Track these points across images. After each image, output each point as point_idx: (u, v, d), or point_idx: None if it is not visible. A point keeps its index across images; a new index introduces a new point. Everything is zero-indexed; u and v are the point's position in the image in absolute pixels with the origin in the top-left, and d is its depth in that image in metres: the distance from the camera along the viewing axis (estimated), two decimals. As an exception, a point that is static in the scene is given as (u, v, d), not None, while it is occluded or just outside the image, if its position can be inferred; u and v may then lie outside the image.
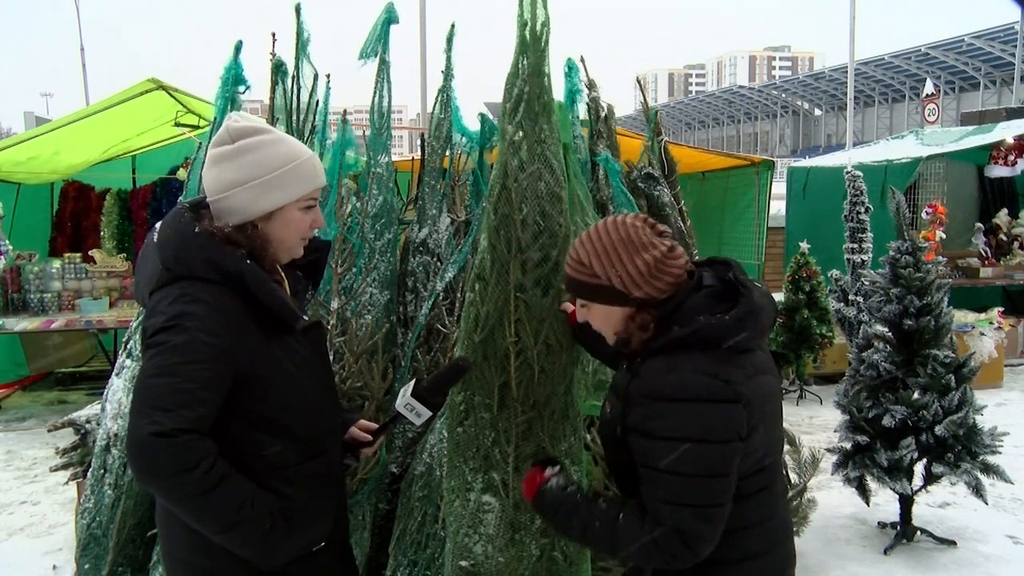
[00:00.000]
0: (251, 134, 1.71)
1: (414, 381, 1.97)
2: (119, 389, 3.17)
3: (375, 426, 2.00)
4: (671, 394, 1.53)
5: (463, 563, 2.18)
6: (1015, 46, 34.70)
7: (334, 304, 3.06)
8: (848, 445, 4.09)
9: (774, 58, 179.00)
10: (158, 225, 1.75)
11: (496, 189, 2.10)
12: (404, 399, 1.91)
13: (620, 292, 1.63)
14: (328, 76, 3.44)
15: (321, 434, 1.79)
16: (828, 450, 4.14)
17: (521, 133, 2.07)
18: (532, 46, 2.04)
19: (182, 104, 6.32)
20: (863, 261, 6.83)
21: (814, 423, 6.25)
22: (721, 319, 1.57)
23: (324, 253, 1.96)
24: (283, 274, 1.83)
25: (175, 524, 1.71)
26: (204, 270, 1.62)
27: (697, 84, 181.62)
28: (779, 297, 6.40)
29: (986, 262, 8.52)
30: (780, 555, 1.71)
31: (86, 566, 3.08)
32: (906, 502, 4.11)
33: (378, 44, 3.34)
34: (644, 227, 1.66)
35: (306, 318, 1.82)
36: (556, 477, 1.77)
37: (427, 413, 1.92)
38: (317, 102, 3.41)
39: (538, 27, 2.03)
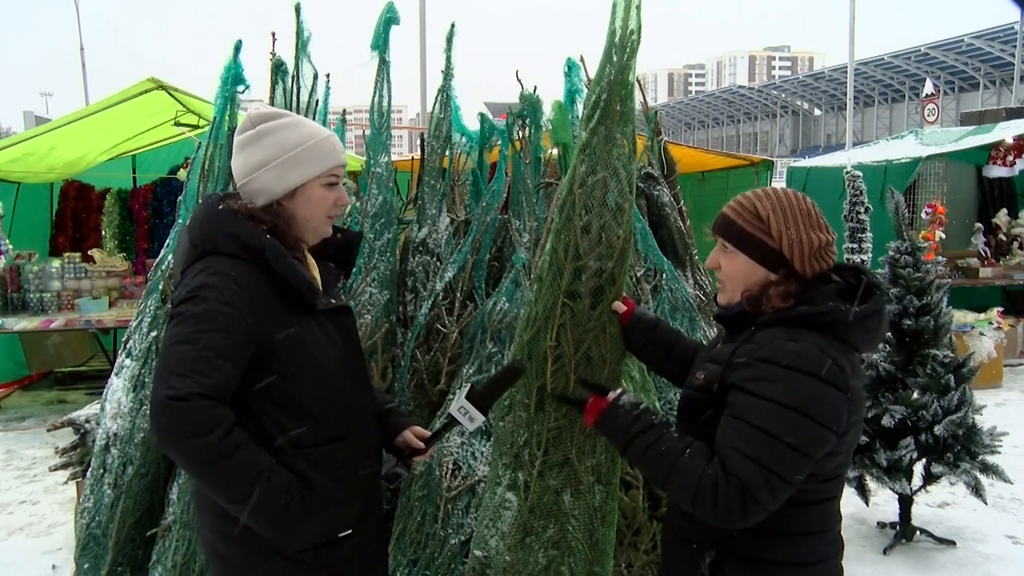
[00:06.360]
0: (270, 118, 1.79)
1: (468, 386, 1.95)
2: (119, 389, 3.17)
3: (428, 433, 1.96)
4: (790, 362, 1.54)
5: (478, 552, 2.23)
6: (1015, 46, 34.72)
7: (334, 304, 3.06)
8: (847, 445, 4.09)
9: (774, 58, 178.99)
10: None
11: (563, 193, 2.10)
12: (459, 403, 1.88)
13: (782, 257, 1.65)
14: (328, 76, 3.44)
15: (345, 418, 1.78)
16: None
17: (593, 139, 2.05)
18: (617, 54, 2.01)
19: (182, 104, 6.31)
20: (863, 261, 6.84)
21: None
22: (851, 309, 1.60)
23: (356, 242, 1.98)
24: (313, 262, 1.86)
25: (205, 511, 1.74)
26: (227, 245, 1.68)
27: (697, 84, 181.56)
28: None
29: (985, 262, 8.53)
30: (833, 566, 1.72)
31: (85, 566, 3.08)
32: (905, 502, 4.11)
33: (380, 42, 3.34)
34: (820, 212, 1.71)
35: (335, 302, 1.84)
36: (626, 395, 1.76)
37: (480, 418, 1.88)
38: (317, 102, 3.42)
39: (627, 35, 2.00)
